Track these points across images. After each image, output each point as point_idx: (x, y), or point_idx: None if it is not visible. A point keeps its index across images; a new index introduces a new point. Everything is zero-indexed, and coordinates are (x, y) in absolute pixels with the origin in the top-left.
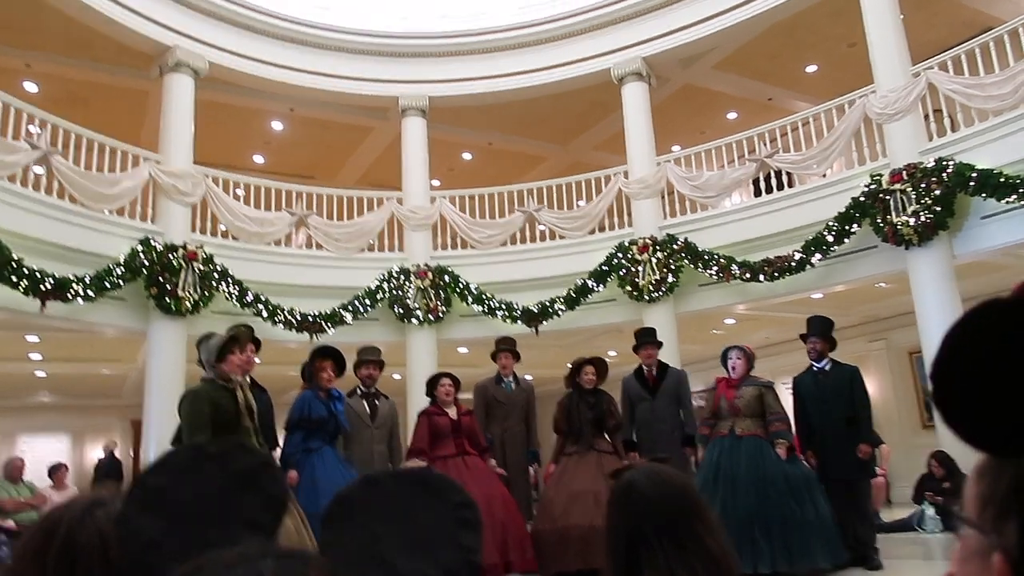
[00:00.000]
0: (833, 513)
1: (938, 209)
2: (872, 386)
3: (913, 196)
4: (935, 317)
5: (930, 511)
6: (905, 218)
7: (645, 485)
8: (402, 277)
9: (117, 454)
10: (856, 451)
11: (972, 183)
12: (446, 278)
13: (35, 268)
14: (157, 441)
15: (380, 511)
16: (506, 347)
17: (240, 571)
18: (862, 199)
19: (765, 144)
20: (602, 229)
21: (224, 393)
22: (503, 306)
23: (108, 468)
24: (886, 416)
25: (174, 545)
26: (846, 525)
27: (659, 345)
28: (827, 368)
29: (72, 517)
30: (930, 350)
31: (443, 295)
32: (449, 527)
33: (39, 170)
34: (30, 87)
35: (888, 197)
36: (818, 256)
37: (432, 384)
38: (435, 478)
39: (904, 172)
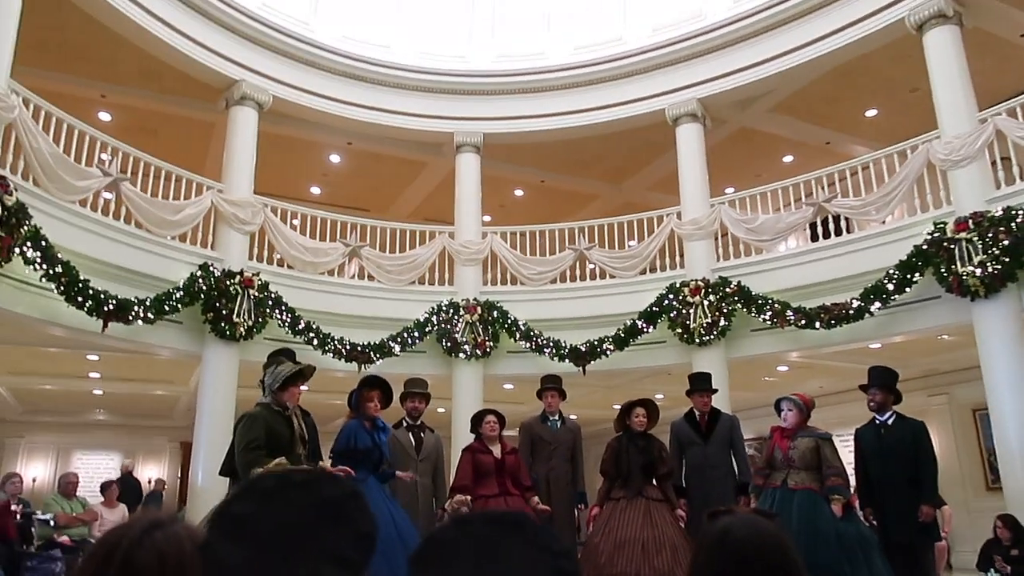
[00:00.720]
0: None
1: (1007, 260)
2: (933, 444)
3: (980, 245)
4: (1002, 373)
5: None
6: (971, 268)
7: (742, 533)
8: (451, 311)
9: (136, 475)
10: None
11: None
12: (495, 313)
13: (99, 289)
14: (206, 463)
15: (473, 554)
16: (552, 385)
17: None
18: (925, 247)
19: (823, 188)
20: (653, 270)
21: (280, 419)
22: (551, 344)
23: (122, 492)
24: (948, 476)
25: None
26: None
27: (714, 392)
28: (890, 422)
29: (131, 538)
30: (997, 407)
31: (491, 330)
32: (545, 575)
33: (108, 195)
34: (104, 116)
35: (953, 246)
36: (877, 305)
37: (477, 420)
38: (529, 523)
39: (970, 220)
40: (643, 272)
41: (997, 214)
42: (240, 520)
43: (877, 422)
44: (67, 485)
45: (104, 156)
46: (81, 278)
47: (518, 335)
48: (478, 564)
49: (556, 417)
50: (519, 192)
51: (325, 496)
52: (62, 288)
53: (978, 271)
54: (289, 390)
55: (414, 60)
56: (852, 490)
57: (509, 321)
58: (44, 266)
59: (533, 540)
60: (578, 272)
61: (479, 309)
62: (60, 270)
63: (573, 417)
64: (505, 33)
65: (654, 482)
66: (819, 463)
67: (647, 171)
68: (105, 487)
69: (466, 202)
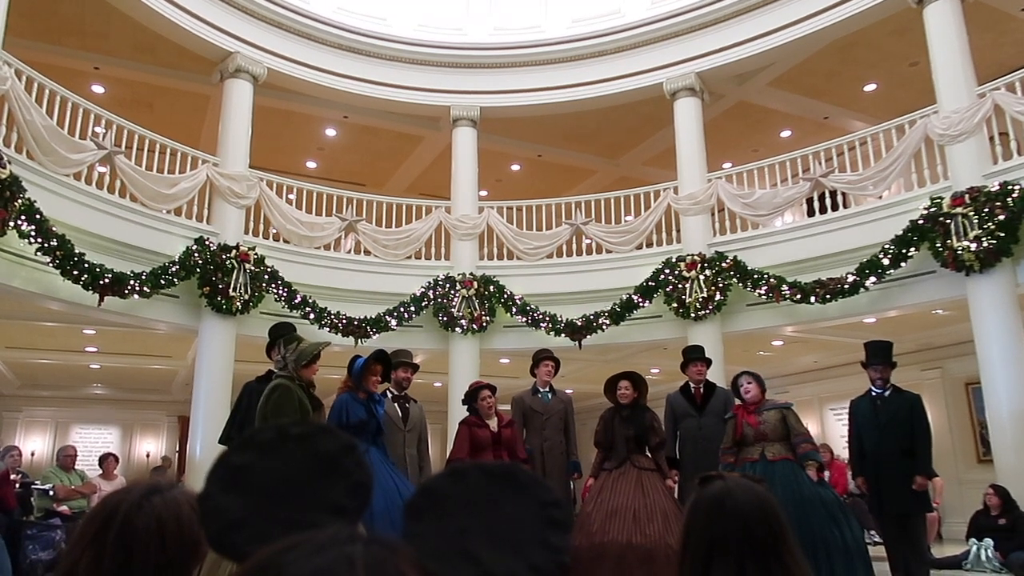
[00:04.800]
0: (887, 547)
1: (1002, 235)
2: (928, 415)
3: (975, 220)
4: (995, 347)
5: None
6: (966, 243)
7: (742, 497)
8: (448, 285)
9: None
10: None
11: None
12: (491, 288)
13: (95, 263)
14: (204, 437)
15: (466, 504)
16: (548, 356)
17: (330, 555)
18: (921, 222)
19: (820, 163)
20: (649, 244)
21: (305, 395)
22: (547, 318)
23: None
24: (940, 448)
25: (257, 526)
26: (898, 560)
27: (708, 363)
28: (887, 394)
29: (130, 503)
30: (989, 381)
31: (487, 305)
32: (538, 525)
33: (102, 169)
34: (97, 89)
35: (949, 221)
36: (873, 279)
37: (472, 397)
38: (523, 473)
39: (966, 195)
40: (639, 247)
41: (994, 189)
42: (239, 471)
43: (873, 394)
44: (65, 458)
45: (98, 129)
46: (76, 252)
47: (514, 309)
48: (472, 513)
49: (547, 389)
50: (516, 166)
51: (322, 448)
52: (58, 262)
53: (973, 246)
54: (311, 367)
55: (410, 33)
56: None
57: (505, 296)
58: (39, 240)
59: (526, 490)
60: (575, 247)
61: (475, 284)
62: (55, 244)
63: (569, 391)
64: (503, 5)
65: (647, 452)
66: (787, 433)
67: (644, 146)
68: (103, 460)
69: (463, 176)
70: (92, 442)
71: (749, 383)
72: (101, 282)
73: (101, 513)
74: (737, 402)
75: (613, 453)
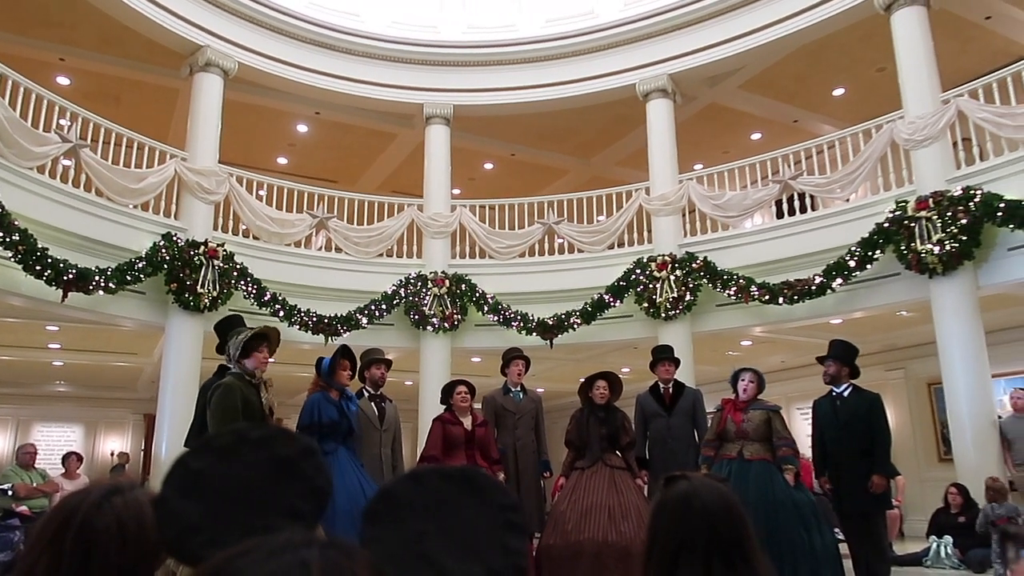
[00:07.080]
0: (849, 545)
1: (964, 239)
2: (889, 417)
3: (939, 224)
4: (956, 348)
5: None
6: (930, 246)
7: (708, 497)
8: (419, 284)
9: None
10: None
11: (1000, 213)
12: (463, 287)
13: (59, 258)
14: (170, 435)
15: (425, 508)
16: (518, 355)
17: (286, 559)
18: (886, 225)
19: (789, 166)
20: (621, 244)
21: (252, 389)
22: (519, 317)
23: None
24: (903, 447)
25: (213, 530)
26: (860, 558)
27: (677, 362)
28: (846, 394)
29: (90, 503)
30: (950, 381)
31: (459, 304)
32: (495, 529)
33: (67, 162)
34: (63, 81)
35: (913, 224)
36: (839, 281)
37: (448, 391)
38: (481, 477)
39: (930, 199)
40: (611, 247)
41: (956, 194)
42: (196, 476)
43: (834, 394)
44: (25, 456)
45: (63, 121)
46: (40, 247)
47: (486, 308)
48: (430, 517)
49: (518, 388)
50: (489, 165)
51: (280, 453)
52: (20, 257)
53: (936, 249)
54: (253, 356)
55: (383, 29)
56: (800, 459)
57: (477, 294)
58: (0, 234)
59: (484, 494)
60: (547, 246)
61: (447, 282)
62: (18, 238)
63: (540, 390)
64: (476, 4)
65: (617, 452)
66: (770, 434)
67: (617, 146)
68: (65, 458)
69: (435, 174)
70: (55, 440)
71: (751, 382)
72: (65, 278)
73: (60, 514)
74: (730, 396)
75: (587, 452)
